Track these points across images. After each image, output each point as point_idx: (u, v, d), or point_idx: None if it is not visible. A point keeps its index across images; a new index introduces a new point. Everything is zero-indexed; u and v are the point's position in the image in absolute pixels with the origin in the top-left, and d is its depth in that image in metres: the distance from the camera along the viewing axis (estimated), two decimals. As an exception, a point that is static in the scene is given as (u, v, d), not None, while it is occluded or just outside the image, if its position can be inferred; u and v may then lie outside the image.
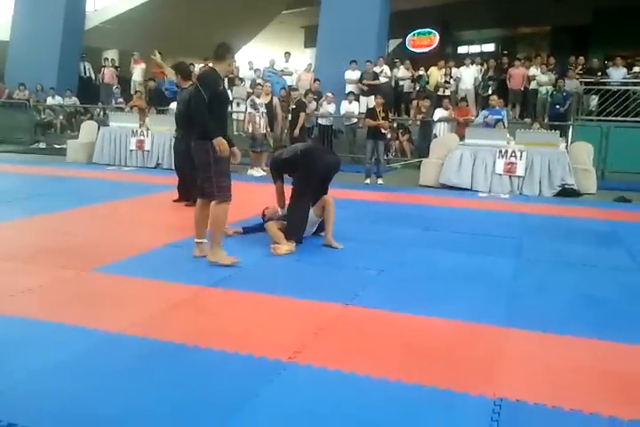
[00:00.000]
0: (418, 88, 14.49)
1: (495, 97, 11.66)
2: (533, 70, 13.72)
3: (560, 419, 2.46)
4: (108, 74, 17.12)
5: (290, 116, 11.55)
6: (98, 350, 2.99)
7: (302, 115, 11.40)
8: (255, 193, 5.58)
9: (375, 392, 2.63)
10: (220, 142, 4.43)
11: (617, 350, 3.23)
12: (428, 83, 14.40)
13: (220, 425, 2.33)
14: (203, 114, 4.45)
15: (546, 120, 12.34)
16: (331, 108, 13.03)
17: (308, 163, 5.29)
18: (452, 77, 14.02)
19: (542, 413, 2.50)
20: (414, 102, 14.17)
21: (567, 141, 11.03)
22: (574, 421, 2.46)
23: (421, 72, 14.72)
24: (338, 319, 3.57)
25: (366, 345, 3.17)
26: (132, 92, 16.01)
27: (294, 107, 11.52)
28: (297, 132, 11.29)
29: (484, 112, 11.46)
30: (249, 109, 10.95)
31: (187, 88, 6.74)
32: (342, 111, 13.15)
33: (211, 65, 4.86)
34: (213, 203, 4.57)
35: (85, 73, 18.14)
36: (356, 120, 13.04)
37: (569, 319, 3.66)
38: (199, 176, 4.67)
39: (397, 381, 2.71)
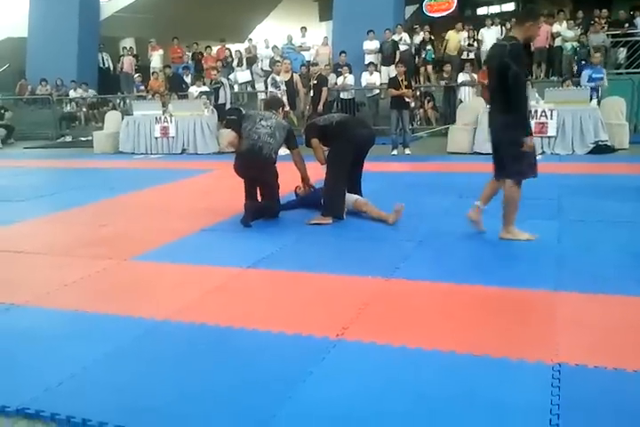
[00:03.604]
0: (424, 56, 14.15)
1: (598, 55, 10.97)
2: (557, 27, 13.29)
3: (623, 381, 2.39)
4: (127, 63, 17.11)
5: (312, 92, 11.39)
6: (146, 339, 2.99)
7: (324, 89, 11.22)
8: (282, 171, 5.52)
9: (429, 365, 2.58)
10: (531, 143, 4.28)
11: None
12: (434, 52, 14.09)
13: (278, 405, 2.30)
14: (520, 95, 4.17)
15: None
16: (350, 80, 12.75)
17: (343, 134, 5.18)
18: (475, 40, 13.67)
19: (604, 376, 2.43)
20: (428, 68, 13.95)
21: (598, 97, 10.70)
22: (639, 382, 2.38)
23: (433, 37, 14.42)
24: (381, 293, 3.51)
25: (413, 317, 3.12)
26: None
27: (315, 82, 11.35)
28: (321, 107, 11.14)
29: (588, 71, 10.69)
30: (270, 88, 10.82)
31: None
32: (363, 83, 12.92)
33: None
34: (509, 184, 4.38)
35: (104, 64, 18.12)
36: (377, 91, 12.82)
37: (620, 278, 3.56)
38: (507, 153, 4.34)
39: (450, 352, 2.66)
